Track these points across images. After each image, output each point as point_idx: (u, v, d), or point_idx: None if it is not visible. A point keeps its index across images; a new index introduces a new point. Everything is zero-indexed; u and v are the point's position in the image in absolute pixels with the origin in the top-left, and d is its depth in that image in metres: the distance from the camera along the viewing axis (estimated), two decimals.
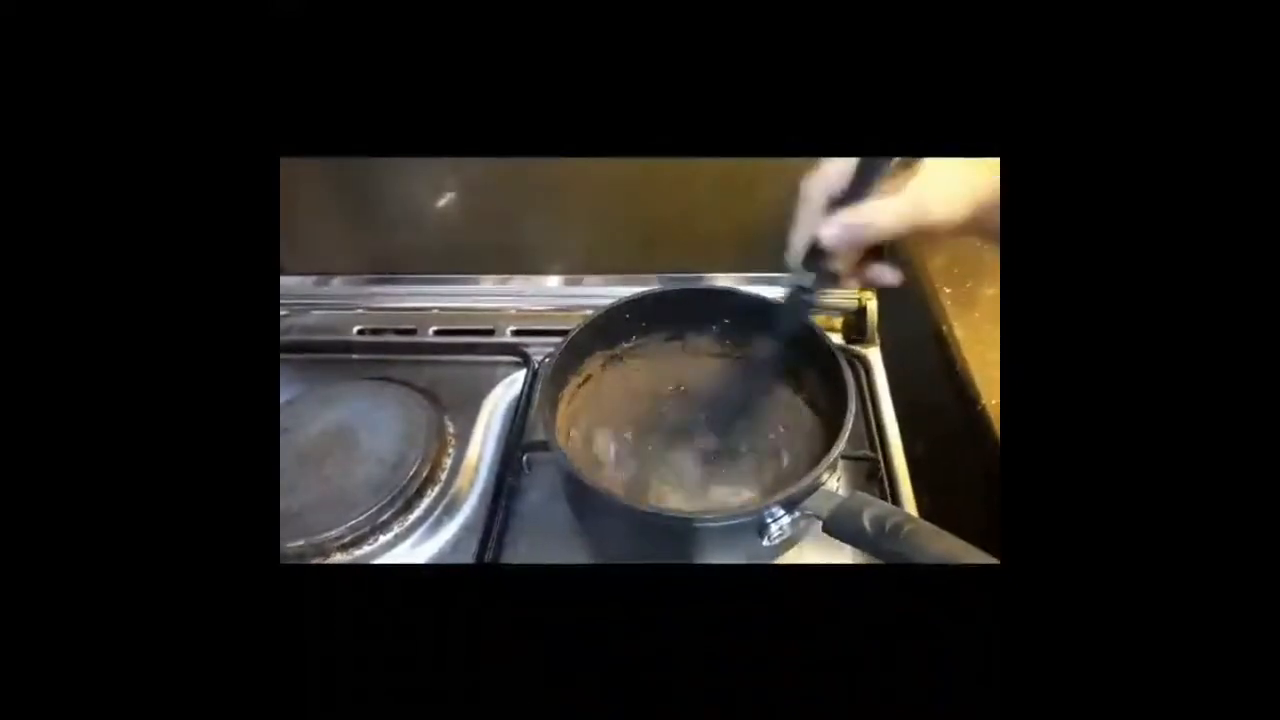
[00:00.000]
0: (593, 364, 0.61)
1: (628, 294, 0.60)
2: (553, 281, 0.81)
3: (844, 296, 0.74)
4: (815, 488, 0.46)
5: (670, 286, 0.64)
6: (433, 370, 0.73)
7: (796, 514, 0.46)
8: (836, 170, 0.42)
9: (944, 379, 0.68)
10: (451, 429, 0.66)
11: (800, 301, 0.49)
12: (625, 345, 0.63)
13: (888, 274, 0.46)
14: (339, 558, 0.56)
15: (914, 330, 0.75)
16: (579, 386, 0.60)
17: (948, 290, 0.74)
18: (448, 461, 0.63)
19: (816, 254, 0.44)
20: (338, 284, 0.84)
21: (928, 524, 0.40)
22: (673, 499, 0.52)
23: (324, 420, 0.65)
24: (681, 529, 0.47)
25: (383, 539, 0.57)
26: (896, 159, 0.40)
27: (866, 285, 0.45)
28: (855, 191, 0.41)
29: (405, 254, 0.81)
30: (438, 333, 0.79)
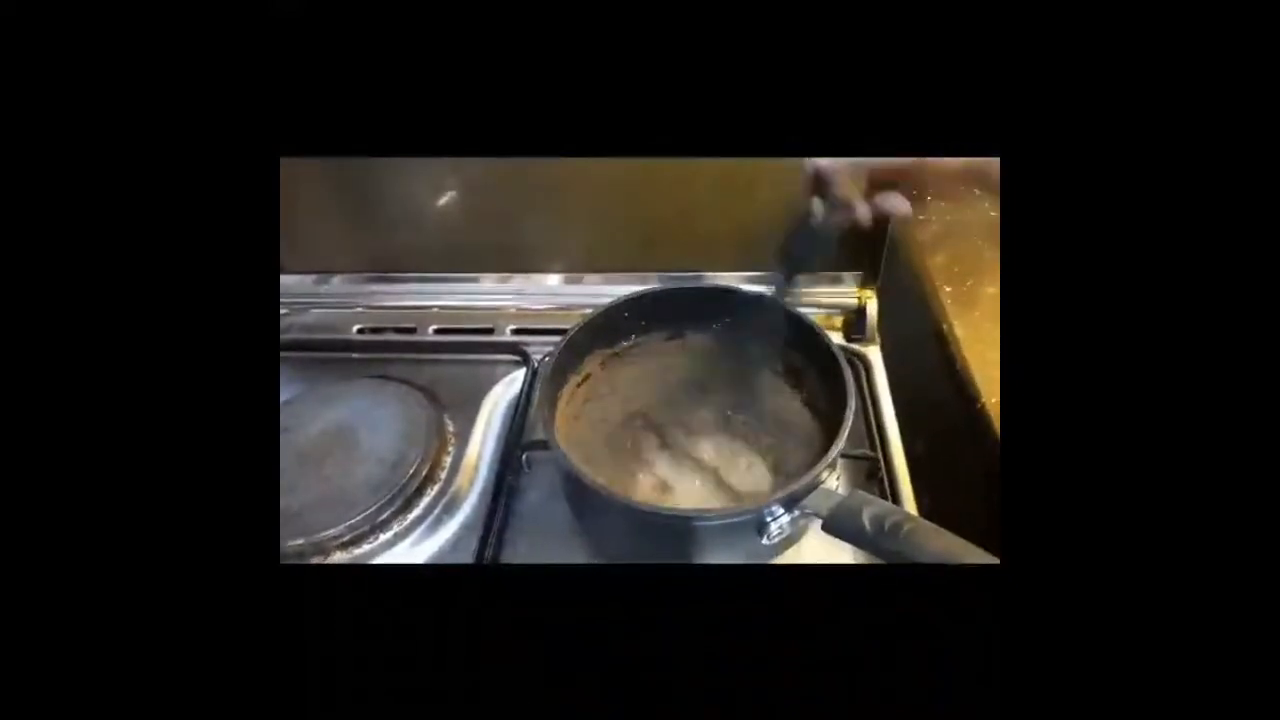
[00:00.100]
0: (592, 363, 0.61)
1: (627, 293, 0.60)
2: (552, 280, 0.81)
3: (844, 295, 0.74)
4: (815, 486, 0.46)
5: (670, 285, 0.64)
6: (432, 369, 0.73)
7: (796, 513, 0.46)
8: None
9: (944, 377, 0.68)
10: (451, 428, 0.66)
11: (818, 232, 0.47)
12: (625, 344, 0.63)
13: (897, 202, 0.44)
14: (339, 556, 0.56)
15: (914, 329, 0.75)
16: (578, 385, 0.60)
17: (948, 289, 0.74)
18: (447, 460, 0.64)
19: (822, 182, 0.43)
20: (337, 283, 0.84)
21: (927, 523, 0.40)
22: (672, 498, 0.52)
23: (324, 419, 0.65)
24: (681, 528, 0.47)
25: (382, 538, 0.58)
26: None
27: (879, 216, 0.44)
28: None
29: (405, 253, 0.81)
30: (437, 331, 0.79)
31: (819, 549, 0.53)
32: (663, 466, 0.55)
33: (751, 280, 0.72)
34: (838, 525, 0.44)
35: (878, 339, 0.73)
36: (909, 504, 0.57)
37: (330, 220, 0.79)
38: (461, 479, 0.62)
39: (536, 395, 0.62)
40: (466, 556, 0.56)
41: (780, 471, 0.53)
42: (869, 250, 0.71)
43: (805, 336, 0.55)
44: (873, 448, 0.61)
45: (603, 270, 0.79)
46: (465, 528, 0.59)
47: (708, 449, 0.55)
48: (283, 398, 0.67)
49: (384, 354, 0.76)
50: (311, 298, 0.83)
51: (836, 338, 0.73)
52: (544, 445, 0.58)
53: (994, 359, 0.63)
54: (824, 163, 0.41)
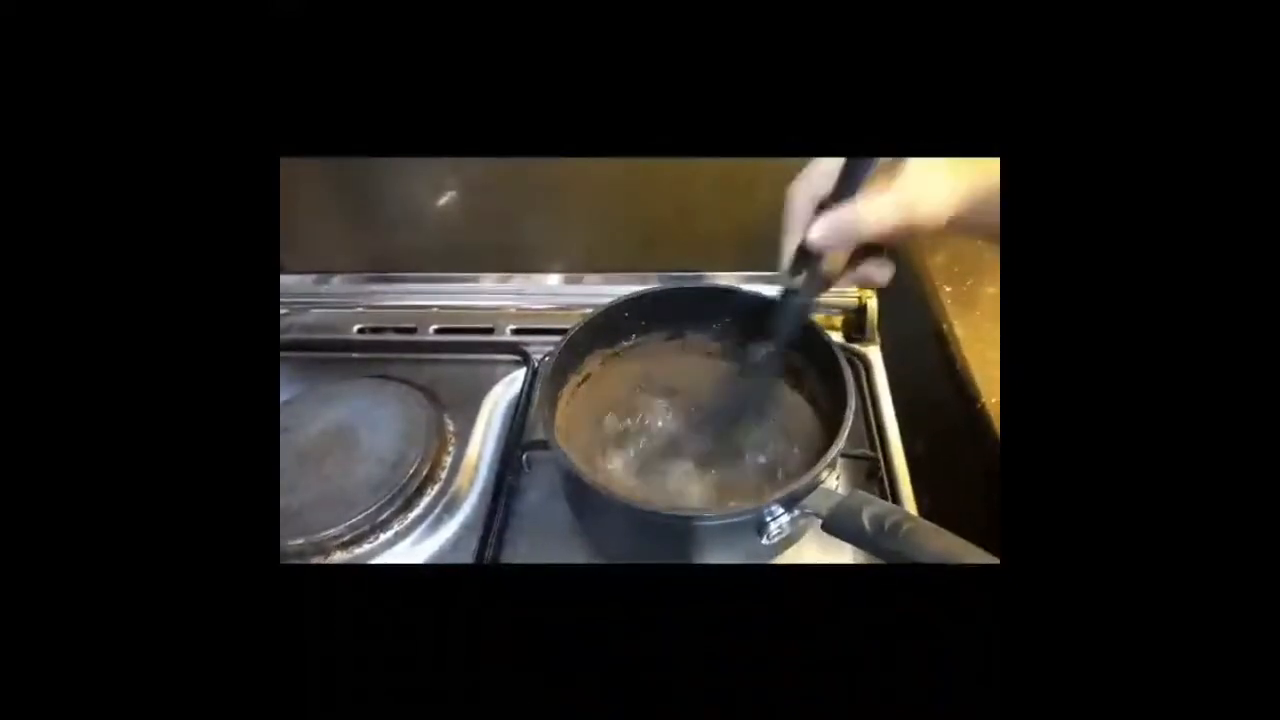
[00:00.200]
0: (592, 363, 0.61)
1: (627, 293, 0.60)
2: (552, 280, 0.81)
3: (844, 295, 0.74)
4: (814, 486, 0.46)
5: (670, 285, 0.64)
6: (433, 369, 0.73)
7: (796, 512, 0.46)
8: (820, 173, 0.42)
9: (944, 377, 0.68)
10: (451, 428, 0.66)
11: (795, 304, 0.48)
12: (625, 344, 0.63)
13: (878, 272, 0.46)
14: (339, 556, 0.56)
15: (914, 329, 0.75)
16: (579, 385, 0.60)
17: (948, 289, 0.74)
18: (448, 460, 0.64)
19: (805, 257, 0.43)
20: (338, 283, 0.84)
21: (927, 522, 0.40)
22: (672, 497, 0.52)
23: (324, 419, 0.65)
24: (680, 527, 0.47)
25: (383, 537, 0.58)
26: (883, 159, 0.40)
27: (859, 285, 0.45)
28: (841, 192, 0.40)
29: (405, 253, 0.81)
30: (438, 331, 0.79)
31: (819, 549, 0.53)
32: (663, 466, 0.54)
33: (751, 280, 0.72)
34: (837, 525, 0.44)
35: (878, 339, 0.73)
36: (909, 504, 0.57)
37: (330, 220, 0.79)
38: (462, 479, 0.62)
39: (537, 395, 0.62)
40: (467, 556, 0.56)
41: (780, 471, 0.53)
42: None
43: (805, 336, 0.55)
44: (873, 447, 0.61)
45: (603, 270, 0.79)
46: (465, 527, 0.59)
47: (707, 449, 0.55)
48: (283, 397, 0.67)
49: (384, 354, 0.76)
50: (312, 298, 0.83)
51: (837, 337, 0.73)
52: (544, 445, 0.58)
53: (994, 359, 0.63)
54: (814, 241, 0.41)
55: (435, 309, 0.81)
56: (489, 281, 0.82)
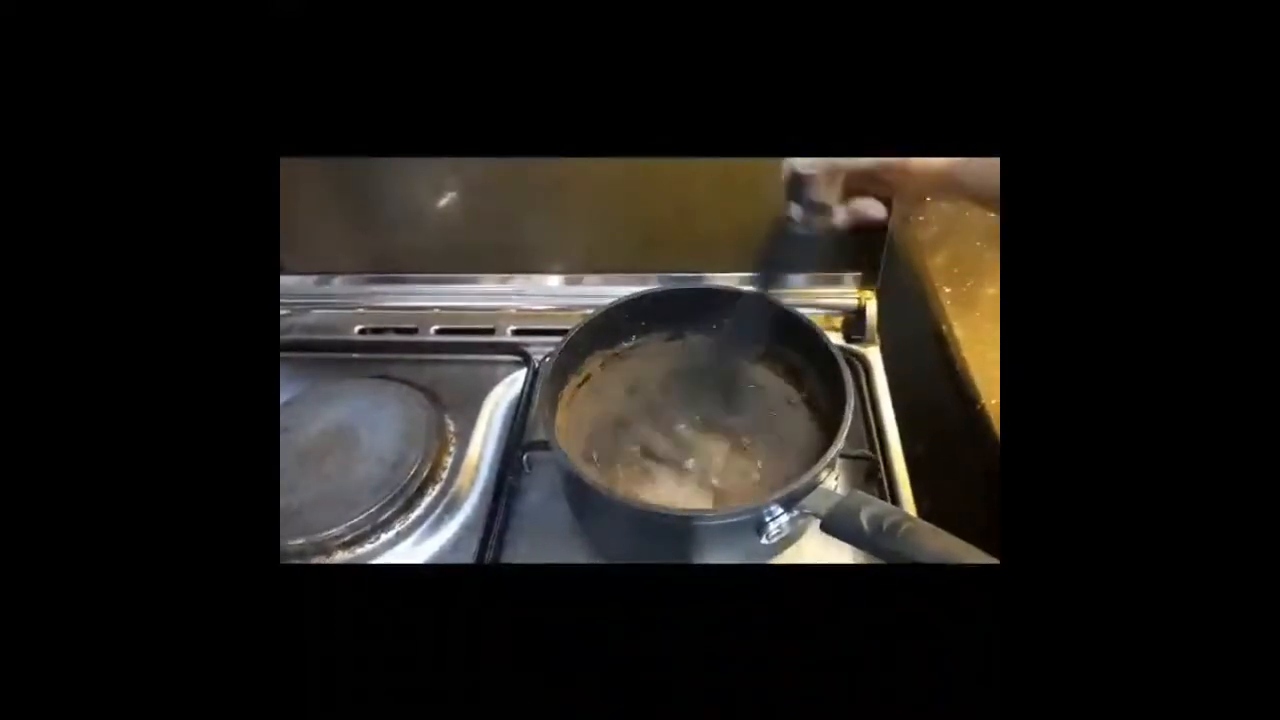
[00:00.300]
0: (592, 363, 0.61)
1: (627, 294, 0.60)
2: (553, 281, 0.81)
3: (843, 296, 0.74)
4: (813, 486, 0.46)
5: (670, 286, 0.64)
6: (433, 369, 0.73)
7: (795, 513, 0.46)
8: None
9: (943, 378, 0.68)
10: (452, 428, 0.66)
11: (785, 253, 0.48)
12: (625, 345, 0.63)
13: (872, 208, 0.45)
14: (340, 556, 0.56)
15: (914, 330, 0.75)
16: (579, 386, 0.60)
17: (947, 290, 0.74)
18: (448, 460, 0.64)
19: (797, 184, 0.43)
20: (339, 283, 0.84)
21: (925, 523, 0.40)
22: (672, 498, 0.52)
23: (325, 419, 0.65)
24: (680, 527, 0.47)
25: (384, 537, 0.58)
26: None
27: (855, 221, 0.45)
28: None
29: (406, 253, 0.81)
30: (438, 332, 0.79)
31: (818, 549, 0.53)
32: (663, 467, 0.55)
33: (751, 281, 0.72)
34: (836, 525, 0.44)
35: (877, 340, 0.73)
36: (908, 505, 0.57)
37: (331, 221, 0.79)
38: (462, 479, 0.63)
39: (537, 396, 0.62)
40: (467, 557, 0.56)
41: (779, 472, 0.53)
42: (868, 251, 0.71)
43: (805, 337, 0.55)
44: (872, 448, 0.61)
45: (603, 271, 0.79)
46: (466, 528, 0.59)
47: (707, 449, 0.55)
48: (284, 398, 0.67)
49: (385, 354, 0.76)
50: (313, 298, 0.83)
51: (836, 338, 0.73)
52: (545, 445, 0.58)
53: (994, 360, 0.63)
54: (801, 165, 0.41)
55: (436, 310, 0.81)
56: (490, 282, 0.82)
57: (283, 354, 0.75)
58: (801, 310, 0.58)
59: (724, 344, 0.60)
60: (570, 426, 0.57)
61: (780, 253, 0.50)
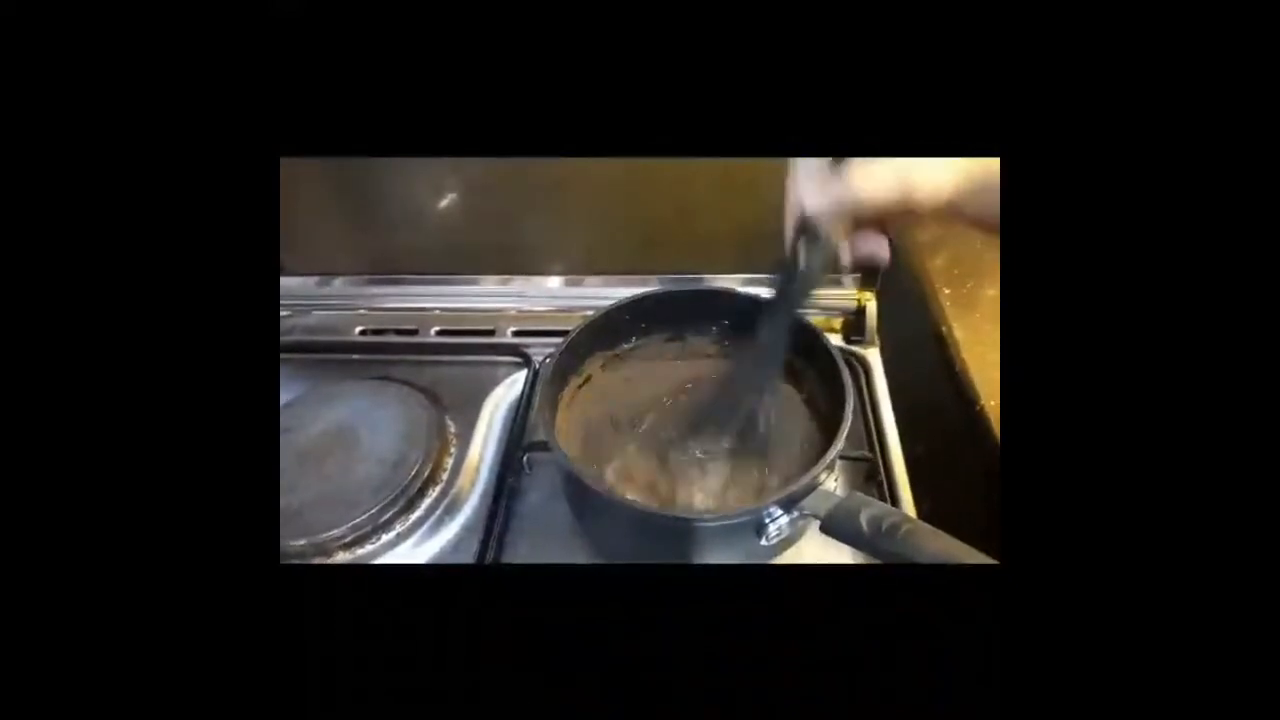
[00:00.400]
0: (593, 365, 0.61)
1: (627, 295, 0.60)
2: (553, 282, 0.81)
3: (843, 297, 0.74)
4: (813, 487, 0.46)
5: (670, 287, 0.65)
6: (434, 370, 0.73)
7: (795, 514, 0.46)
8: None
9: (943, 380, 0.68)
10: (453, 429, 0.66)
11: (790, 290, 0.48)
12: (625, 346, 0.63)
13: (877, 248, 0.44)
14: (341, 557, 0.56)
15: (913, 331, 0.75)
16: (579, 387, 0.60)
17: (947, 291, 0.74)
18: (449, 461, 0.64)
19: (805, 228, 0.43)
20: (339, 284, 0.84)
21: (925, 524, 0.40)
22: (672, 498, 0.52)
23: (325, 420, 0.65)
24: (680, 529, 0.47)
25: (384, 538, 0.58)
26: None
27: (861, 263, 0.45)
28: (839, 161, 0.40)
29: (406, 254, 0.81)
30: (439, 333, 0.79)
31: (818, 550, 0.53)
32: (663, 468, 0.54)
33: (751, 282, 0.72)
34: (836, 526, 0.44)
35: (877, 341, 0.73)
36: (908, 506, 0.57)
37: (330, 221, 0.79)
38: (463, 480, 0.63)
39: (537, 397, 0.62)
40: (468, 557, 0.56)
41: (779, 473, 0.53)
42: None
43: (804, 338, 0.55)
44: (872, 449, 0.61)
45: (603, 272, 0.79)
46: (466, 529, 0.59)
47: (707, 450, 0.55)
48: (285, 398, 0.67)
49: (386, 355, 0.77)
50: (313, 299, 0.83)
51: (836, 339, 0.73)
52: (545, 446, 0.58)
53: (994, 361, 0.63)
54: (814, 205, 0.41)
55: (436, 311, 0.81)
56: (490, 283, 0.82)
57: (283, 355, 0.75)
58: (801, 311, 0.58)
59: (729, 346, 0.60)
60: (570, 428, 0.57)
61: (789, 293, 0.49)
